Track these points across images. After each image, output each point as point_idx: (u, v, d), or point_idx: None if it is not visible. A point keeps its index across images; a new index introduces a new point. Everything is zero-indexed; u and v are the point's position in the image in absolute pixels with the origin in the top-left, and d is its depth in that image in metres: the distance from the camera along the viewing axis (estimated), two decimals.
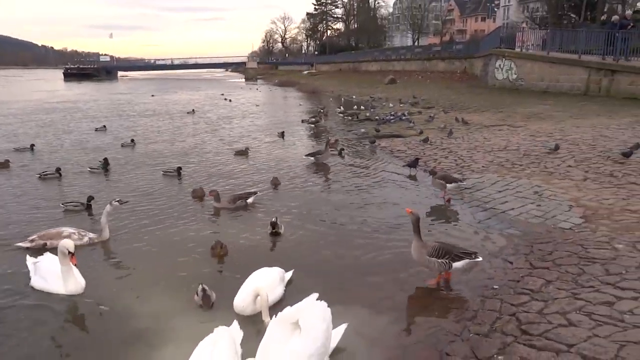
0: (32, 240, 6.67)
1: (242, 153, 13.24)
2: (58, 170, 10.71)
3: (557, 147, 11.04)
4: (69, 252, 5.18)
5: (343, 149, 13.23)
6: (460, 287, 5.25)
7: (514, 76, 28.01)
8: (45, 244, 6.57)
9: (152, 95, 40.53)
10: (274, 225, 6.82)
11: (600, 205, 7.30)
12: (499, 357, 3.79)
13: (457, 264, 5.15)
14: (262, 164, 12.19)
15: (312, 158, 11.86)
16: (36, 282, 5.48)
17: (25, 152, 14.06)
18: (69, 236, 6.50)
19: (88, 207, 8.22)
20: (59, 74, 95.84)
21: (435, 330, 4.39)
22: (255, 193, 8.60)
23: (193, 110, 26.20)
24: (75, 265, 5.27)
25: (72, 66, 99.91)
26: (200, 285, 4.97)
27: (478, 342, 4.05)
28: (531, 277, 5.14)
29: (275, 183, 9.78)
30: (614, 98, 20.42)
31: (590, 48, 24.19)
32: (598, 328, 3.96)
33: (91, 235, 6.84)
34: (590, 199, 7.66)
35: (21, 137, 17.29)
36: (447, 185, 8.41)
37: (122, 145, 14.98)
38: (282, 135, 16.47)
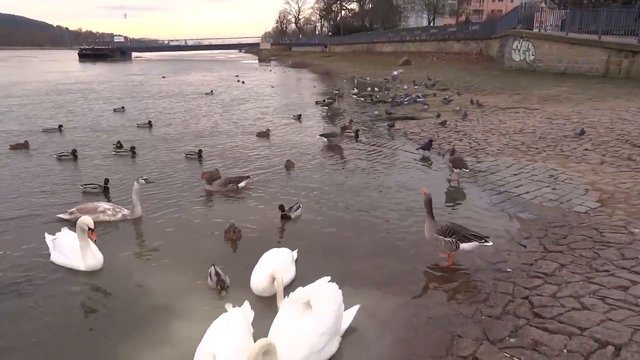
0: (71, 213, 6.93)
1: (264, 134, 13.36)
2: (74, 152, 10.81)
3: (582, 132, 10.67)
4: (89, 228, 5.29)
5: (359, 130, 13.14)
6: (473, 270, 5.24)
7: (532, 57, 27.47)
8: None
9: (163, 77, 40.43)
10: (282, 208, 6.82)
11: (617, 189, 7.19)
12: (511, 340, 3.79)
13: (464, 245, 5.16)
14: (279, 146, 12.14)
15: (325, 139, 11.84)
16: (56, 257, 5.62)
17: (54, 133, 14.22)
18: (104, 211, 6.85)
19: (105, 190, 8.29)
20: (73, 54, 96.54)
21: (447, 313, 4.40)
22: (248, 177, 8.62)
23: (211, 91, 26.28)
24: (94, 241, 5.39)
25: (87, 47, 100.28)
26: (213, 268, 5.03)
27: (490, 325, 4.05)
28: (545, 261, 5.11)
29: (288, 166, 9.79)
30: (634, 80, 19.95)
31: (610, 29, 23.56)
32: (612, 312, 3.94)
33: (125, 211, 7.01)
34: (607, 182, 7.56)
35: (33, 119, 17.44)
36: (454, 169, 8.40)
37: (137, 126, 15.09)
38: (299, 118, 16.35)
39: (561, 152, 9.67)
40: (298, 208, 7.01)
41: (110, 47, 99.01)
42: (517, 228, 6.29)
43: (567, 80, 21.86)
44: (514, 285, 4.66)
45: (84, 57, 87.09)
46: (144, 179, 7.15)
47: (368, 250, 5.86)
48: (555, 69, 25.26)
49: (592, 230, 5.78)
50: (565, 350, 3.56)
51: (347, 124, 13.54)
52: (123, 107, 19.42)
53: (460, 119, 14.12)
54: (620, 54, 21.60)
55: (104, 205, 7.01)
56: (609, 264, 4.81)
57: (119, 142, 11.77)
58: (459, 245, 5.14)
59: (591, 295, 4.24)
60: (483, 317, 4.20)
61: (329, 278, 4.27)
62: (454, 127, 13.05)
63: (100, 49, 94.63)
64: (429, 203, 5.38)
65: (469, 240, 5.15)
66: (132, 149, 11.28)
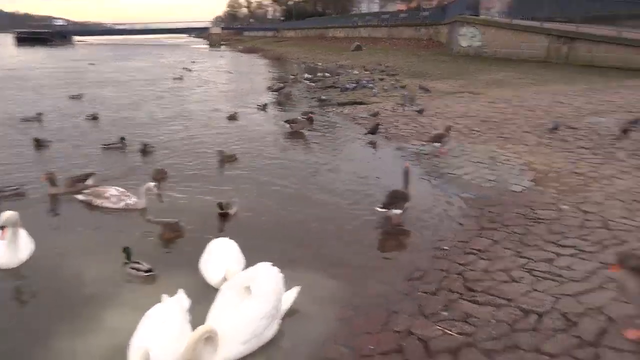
0: (86, 195, 6.91)
1: (232, 117, 13.45)
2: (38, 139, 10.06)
3: (556, 127, 9.90)
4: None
5: (313, 113, 13.01)
6: (413, 249, 5.40)
7: (478, 43, 28.20)
8: (91, 200, 6.78)
9: (90, 64, 36.01)
10: (221, 206, 6.39)
11: (551, 169, 7.55)
12: (444, 313, 3.94)
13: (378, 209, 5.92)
14: (237, 135, 11.62)
15: (288, 125, 11.72)
16: None
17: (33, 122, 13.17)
18: (108, 198, 6.74)
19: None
20: (9, 38, 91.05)
21: (386, 291, 4.51)
22: (92, 174, 7.81)
23: (181, 76, 25.14)
24: (2, 240, 4.95)
25: (24, 30, 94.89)
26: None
27: (425, 300, 4.19)
28: (480, 238, 5.33)
29: (225, 160, 9.05)
30: (572, 65, 20.91)
31: (553, 16, 24.42)
32: (537, 283, 4.16)
33: (130, 200, 6.72)
34: (542, 162, 7.92)
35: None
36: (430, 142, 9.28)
37: (86, 118, 14.11)
38: (264, 107, 15.67)
39: (501, 134, 10.03)
40: (232, 204, 6.53)
41: (50, 30, 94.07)
42: (456, 208, 6.50)
43: (511, 66, 22.62)
44: (449, 262, 4.84)
45: (22, 41, 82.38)
46: (156, 186, 6.67)
47: (313, 234, 5.89)
48: (501, 55, 26.07)
49: (526, 207, 6.06)
50: (493, 320, 3.74)
51: (309, 113, 13.24)
52: (80, 95, 18.32)
53: (407, 105, 14.32)
54: (560, 40, 22.53)
55: (111, 191, 6.83)
56: (538, 239, 5.06)
57: (35, 138, 10.44)
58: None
59: (520, 269, 4.47)
60: (419, 294, 4.34)
61: (270, 263, 4.27)
62: (400, 112, 13.26)
63: (39, 33, 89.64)
64: (404, 174, 6.15)
65: (383, 207, 5.85)
66: (122, 140, 10.31)
